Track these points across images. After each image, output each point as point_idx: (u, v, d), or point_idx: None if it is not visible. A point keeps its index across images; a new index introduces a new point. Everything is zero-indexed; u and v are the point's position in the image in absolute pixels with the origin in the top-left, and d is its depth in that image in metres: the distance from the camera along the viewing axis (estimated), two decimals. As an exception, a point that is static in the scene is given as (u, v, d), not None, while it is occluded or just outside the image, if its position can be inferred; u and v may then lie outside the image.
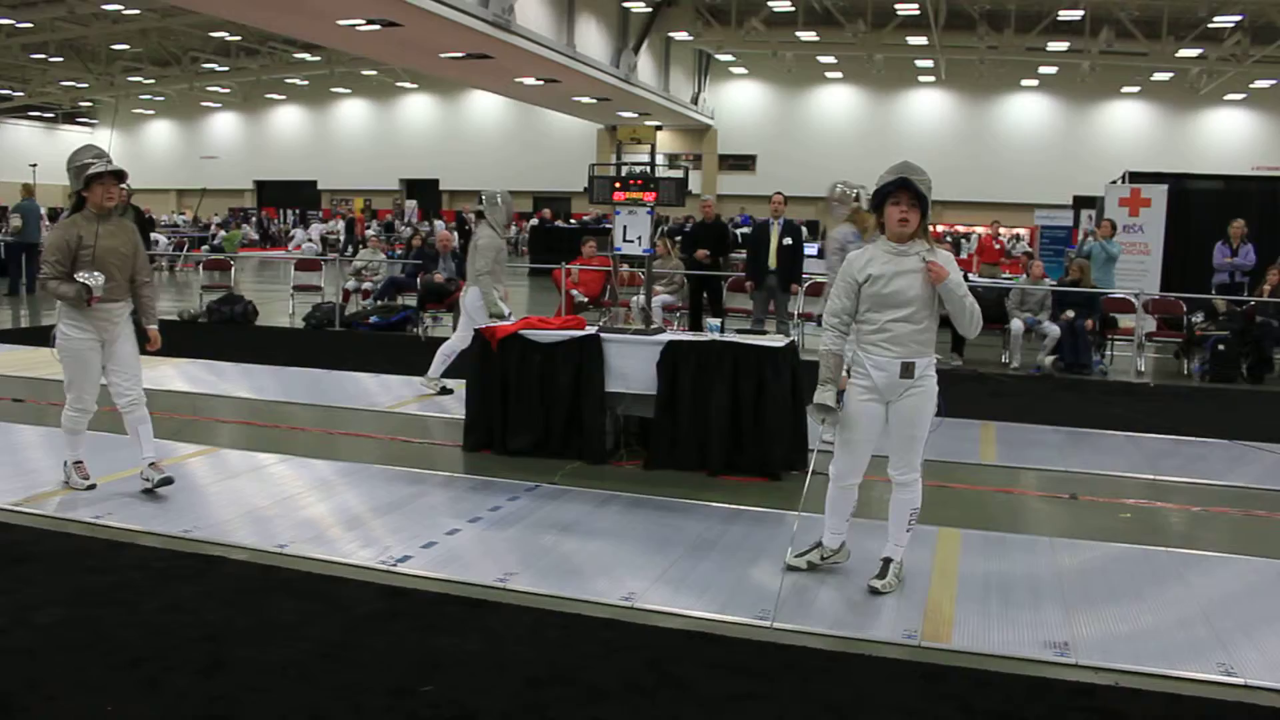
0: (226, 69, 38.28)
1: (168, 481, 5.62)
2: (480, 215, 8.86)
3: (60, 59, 35.92)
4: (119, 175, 5.39)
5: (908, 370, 4.34)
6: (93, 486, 5.70)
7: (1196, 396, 10.41)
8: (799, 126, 38.88)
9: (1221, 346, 11.28)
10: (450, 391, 8.86)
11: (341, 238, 31.79)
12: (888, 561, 4.55)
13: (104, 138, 46.76)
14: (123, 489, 5.67)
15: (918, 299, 4.32)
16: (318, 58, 36.91)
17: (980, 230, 29.42)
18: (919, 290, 4.32)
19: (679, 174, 7.58)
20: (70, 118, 49.01)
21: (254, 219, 40.67)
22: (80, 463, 5.75)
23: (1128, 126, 35.54)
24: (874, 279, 4.34)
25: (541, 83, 28.57)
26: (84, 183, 5.31)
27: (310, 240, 32.19)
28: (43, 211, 19.37)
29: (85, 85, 39.83)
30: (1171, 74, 32.45)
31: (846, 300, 4.44)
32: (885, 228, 4.39)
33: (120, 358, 5.62)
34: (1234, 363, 11.25)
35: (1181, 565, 4.97)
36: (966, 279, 4.78)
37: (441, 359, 8.99)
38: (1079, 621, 4.21)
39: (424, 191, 42.59)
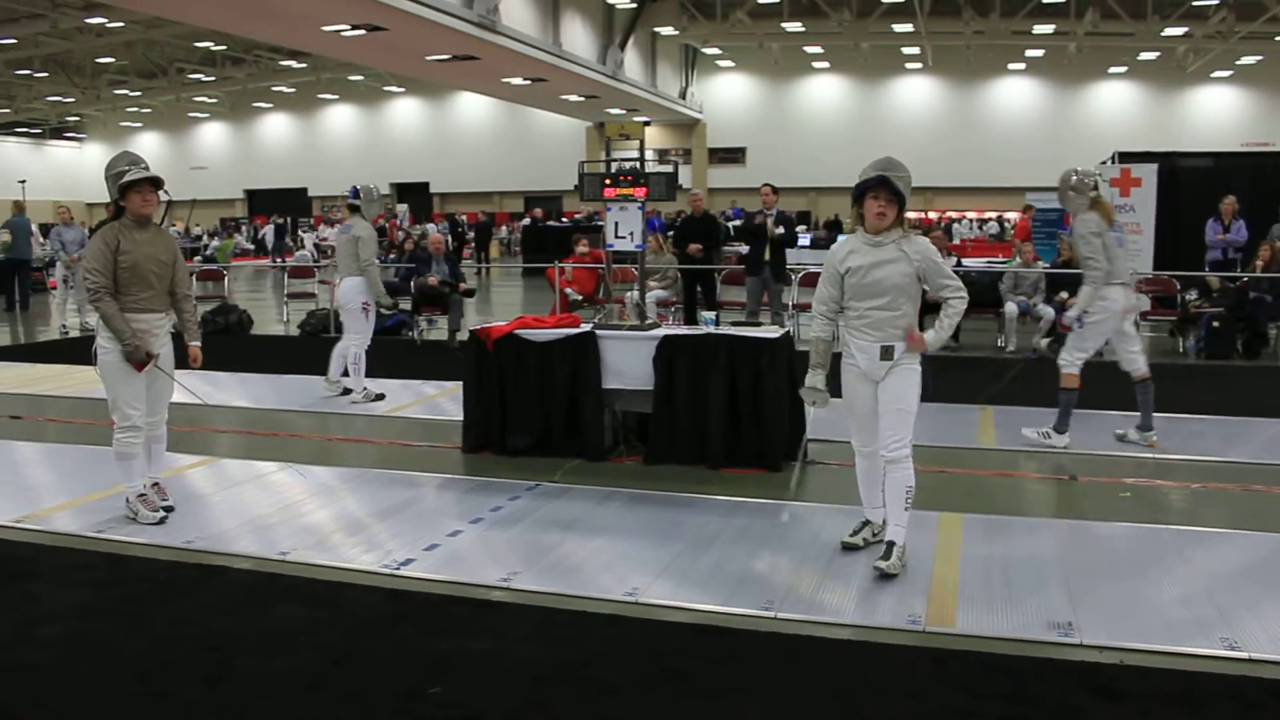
0: (213, 79, 38.21)
1: (169, 509, 5.52)
2: (355, 209, 8.87)
3: (45, 74, 35.84)
4: (155, 182, 5.31)
5: (887, 353, 4.61)
6: (164, 519, 5.41)
7: (1193, 374, 10.42)
8: (788, 117, 38.90)
9: (1216, 323, 11.29)
10: (349, 392, 8.80)
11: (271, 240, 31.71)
12: (891, 544, 4.61)
13: (93, 152, 46.80)
14: (123, 503, 5.61)
15: (894, 288, 4.57)
16: (304, 65, 36.89)
17: (1009, 215, 29.48)
18: (896, 280, 4.56)
19: (669, 169, 7.59)
20: (58, 133, 48.92)
21: (244, 228, 40.55)
22: (144, 495, 5.45)
23: (1116, 107, 35.57)
24: (853, 270, 4.63)
25: (529, 82, 28.55)
26: (120, 191, 5.25)
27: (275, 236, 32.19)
28: (34, 228, 19.34)
29: (71, 100, 39.73)
30: (1158, 53, 32.46)
31: (832, 289, 4.74)
32: (864, 219, 4.62)
33: (155, 373, 5.43)
34: (1229, 339, 11.26)
35: (1182, 542, 4.98)
36: (960, 265, 4.85)
37: (339, 362, 8.88)
38: (1082, 602, 4.22)
39: (415, 195, 42.54)
